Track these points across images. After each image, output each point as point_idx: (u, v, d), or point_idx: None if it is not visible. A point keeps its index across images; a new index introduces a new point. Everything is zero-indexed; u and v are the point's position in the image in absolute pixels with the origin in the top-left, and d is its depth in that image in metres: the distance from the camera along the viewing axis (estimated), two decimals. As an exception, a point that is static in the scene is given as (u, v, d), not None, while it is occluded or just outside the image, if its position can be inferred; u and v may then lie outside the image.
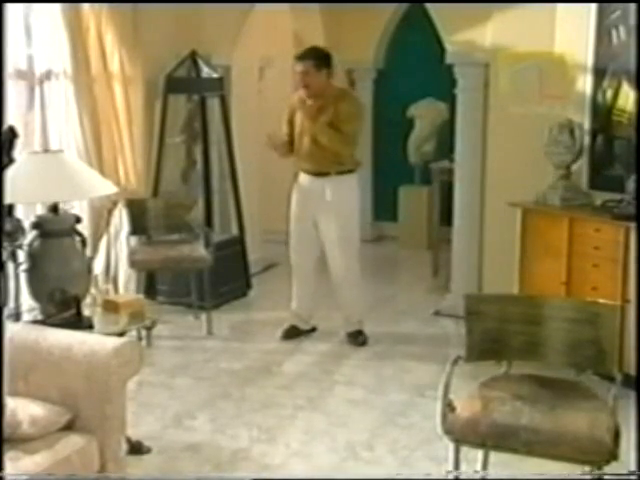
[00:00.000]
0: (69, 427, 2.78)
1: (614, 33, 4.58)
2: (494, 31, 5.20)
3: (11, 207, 4.20)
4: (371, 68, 7.84)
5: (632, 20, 4.42)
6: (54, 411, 2.75)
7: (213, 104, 6.05)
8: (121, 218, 5.43)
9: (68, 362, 2.84)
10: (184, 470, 3.50)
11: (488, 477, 3.16)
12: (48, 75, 4.98)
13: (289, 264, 5.21)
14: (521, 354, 3.11)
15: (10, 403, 2.67)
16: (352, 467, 3.55)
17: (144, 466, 3.50)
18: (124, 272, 5.47)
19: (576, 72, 4.79)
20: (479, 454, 3.10)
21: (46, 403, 2.77)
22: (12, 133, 4.33)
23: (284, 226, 5.16)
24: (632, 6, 4.41)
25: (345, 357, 4.91)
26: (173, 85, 5.79)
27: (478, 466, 3.12)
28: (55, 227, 3.60)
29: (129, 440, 3.32)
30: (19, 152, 4.31)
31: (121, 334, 3.40)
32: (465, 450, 2.87)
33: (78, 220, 3.71)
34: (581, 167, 4.77)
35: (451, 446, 2.83)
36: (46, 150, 4.55)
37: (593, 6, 4.64)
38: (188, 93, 6.01)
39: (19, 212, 4.45)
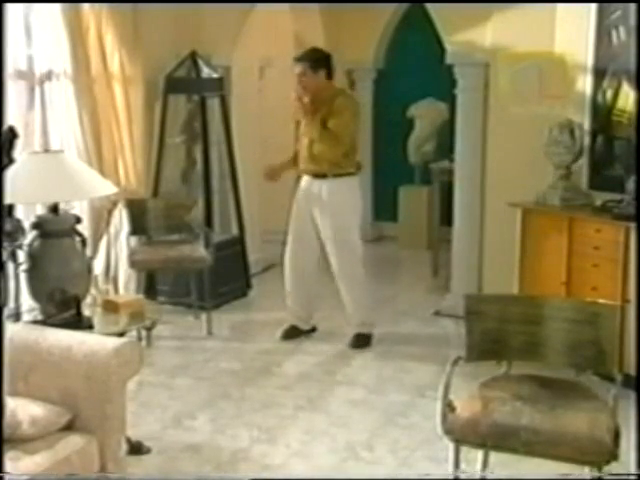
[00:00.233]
0: (69, 427, 2.78)
1: (614, 33, 4.58)
2: (494, 31, 5.20)
3: (11, 207, 4.20)
4: (371, 68, 7.84)
5: (632, 20, 4.42)
6: (54, 411, 2.75)
7: (213, 104, 6.05)
8: (121, 218, 5.43)
9: (68, 362, 2.84)
10: (184, 470, 3.50)
11: (488, 477, 3.16)
12: (48, 75, 4.98)
13: (287, 264, 5.22)
14: (521, 354, 3.11)
15: (10, 403, 2.67)
16: (352, 467, 3.55)
17: (144, 466, 3.50)
18: (124, 272, 5.47)
19: (576, 72, 4.79)
20: (479, 454, 3.10)
21: (46, 403, 2.77)
22: (12, 133, 4.33)
23: (284, 226, 5.16)
24: (632, 6, 4.41)
25: (345, 357, 4.91)
26: (173, 85, 5.80)
27: (478, 466, 3.12)
28: (55, 227, 3.60)
29: (129, 440, 3.32)
30: (19, 152, 4.31)
31: (121, 334, 3.40)
32: (465, 450, 2.88)
33: (78, 220, 3.70)
34: (581, 167, 4.77)
35: (451, 446, 2.84)
36: (46, 150, 4.55)
37: (593, 6, 4.64)
38: (188, 93, 6.00)
39: (19, 212, 4.45)
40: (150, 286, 5.71)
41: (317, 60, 4.85)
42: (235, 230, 6.25)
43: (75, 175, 3.53)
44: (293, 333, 5.17)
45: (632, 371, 3.76)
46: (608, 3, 4.59)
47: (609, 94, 4.63)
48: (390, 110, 7.70)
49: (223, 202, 6.30)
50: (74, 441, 2.73)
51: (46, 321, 3.41)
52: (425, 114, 7.54)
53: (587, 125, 4.72)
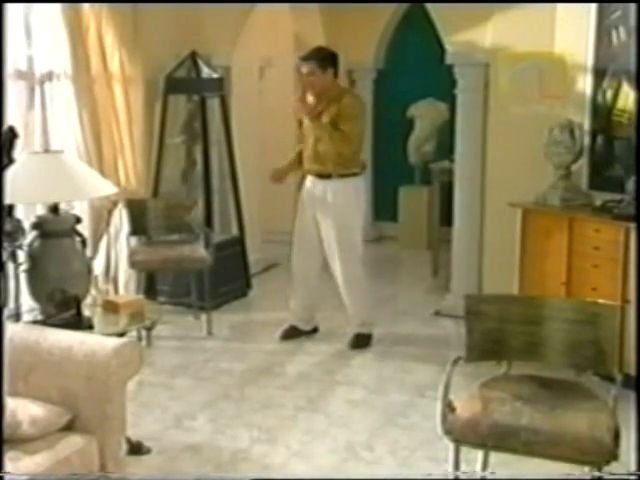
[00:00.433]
0: (69, 427, 2.78)
1: (614, 33, 4.58)
2: (494, 31, 5.20)
3: (11, 207, 4.19)
4: (371, 68, 7.84)
5: (632, 20, 4.42)
6: (54, 411, 2.75)
7: (213, 104, 6.05)
8: (121, 218, 5.42)
9: (68, 362, 2.84)
10: (184, 470, 3.50)
11: (488, 477, 3.16)
12: (48, 75, 4.98)
13: (289, 264, 5.21)
14: (521, 354, 3.11)
15: (10, 403, 2.67)
16: (352, 467, 3.55)
17: (144, 466, 3.50)
18: (124, 272, 5.46)
19: (576, 72, 4.79)
20: (479, 454, 3.10)
21: (46, 403, 2.77)
22: (12, 133, 4.32)
23: (284, 226, 5.17)
24: (632, 6, 4.41)
25: (345, 358, 4.91)
26: (173, 85, 5.80)
27: (478, 466, 3.12)
28: (55, 227, 3.60)
29: (129, 440, 3.32)
30: (19, 152, 4.31)
31: (121, 334, 3.40)
32: (465, 450, 2.88)
33: (78, 220, 3.71)
34: (581, 167, 4.77)
35: (451, 446, 2.84)
36: (46, 150, 4.55)
37: (593, 6, 4.64)
38: (188, 93, 6.00)
39: (19, 212, 4.45)
40: (150, 286, 5.71)
41: (325, 59, 4.85)
42: (235, 230, 6.25)
43: (75, 175, 3.53)
44: (293, 333, 5.17)
45: (632, 371, 3.75)
46: (608, 3, 4.59)
47: (609, 94, 4.63)
48: (390, 110, 7.69)
49: (223, 202, 6.30)
50: (74, 441, 2.73)
51: (46, 321, 3.41)
52: (425, 114, 7.54)
53: (587, 125, 4.72)
